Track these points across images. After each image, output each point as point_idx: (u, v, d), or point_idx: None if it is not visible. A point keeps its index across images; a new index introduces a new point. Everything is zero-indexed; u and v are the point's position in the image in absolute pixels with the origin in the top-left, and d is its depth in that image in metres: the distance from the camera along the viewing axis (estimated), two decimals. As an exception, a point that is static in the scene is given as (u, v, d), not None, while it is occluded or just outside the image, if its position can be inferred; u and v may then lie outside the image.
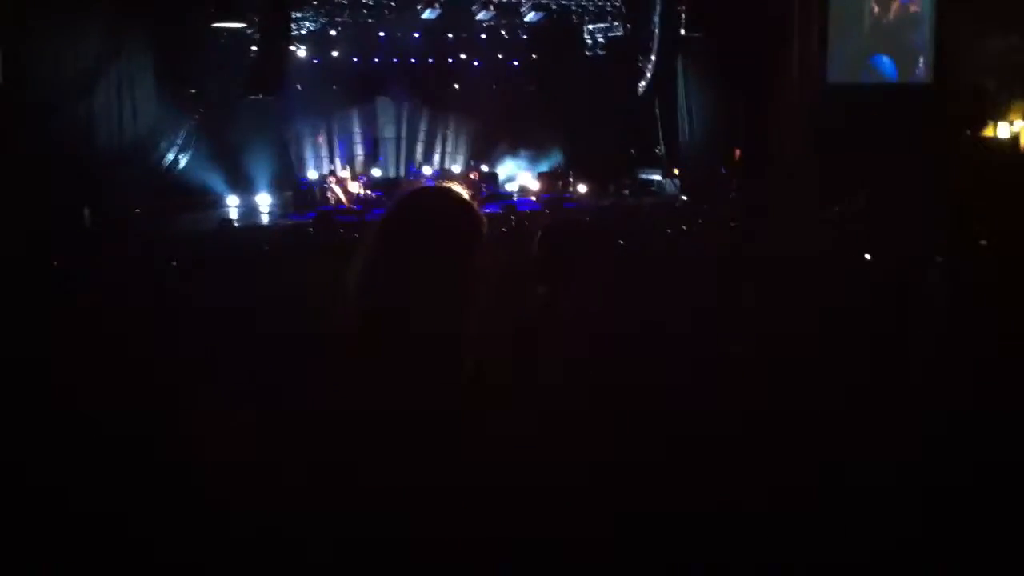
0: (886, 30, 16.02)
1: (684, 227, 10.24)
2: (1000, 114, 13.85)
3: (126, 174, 13.24)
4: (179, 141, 14.47)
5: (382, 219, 2.05)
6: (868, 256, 6.87)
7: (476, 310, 1.96)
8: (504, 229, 9.85)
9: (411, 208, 2.08)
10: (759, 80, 15.72)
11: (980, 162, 13.12)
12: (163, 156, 14.37)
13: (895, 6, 15.94)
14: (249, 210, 14.39)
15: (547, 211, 13.97)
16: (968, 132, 14.04)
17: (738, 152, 15.86)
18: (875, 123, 13.60)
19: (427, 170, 17.18)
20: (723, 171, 15.79)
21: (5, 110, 11.79)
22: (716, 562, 2.47)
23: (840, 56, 15.78)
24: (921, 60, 15.88)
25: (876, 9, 15.92)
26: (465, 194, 2.08)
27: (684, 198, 15.71)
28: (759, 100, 15.68)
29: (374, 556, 1.80)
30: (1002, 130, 13.68)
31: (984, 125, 14.10)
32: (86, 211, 11.94)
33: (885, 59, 16.07)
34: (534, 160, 17.29)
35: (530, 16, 17.33)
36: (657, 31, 17.31)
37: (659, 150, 17.64)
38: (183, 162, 14.47)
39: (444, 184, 2.23)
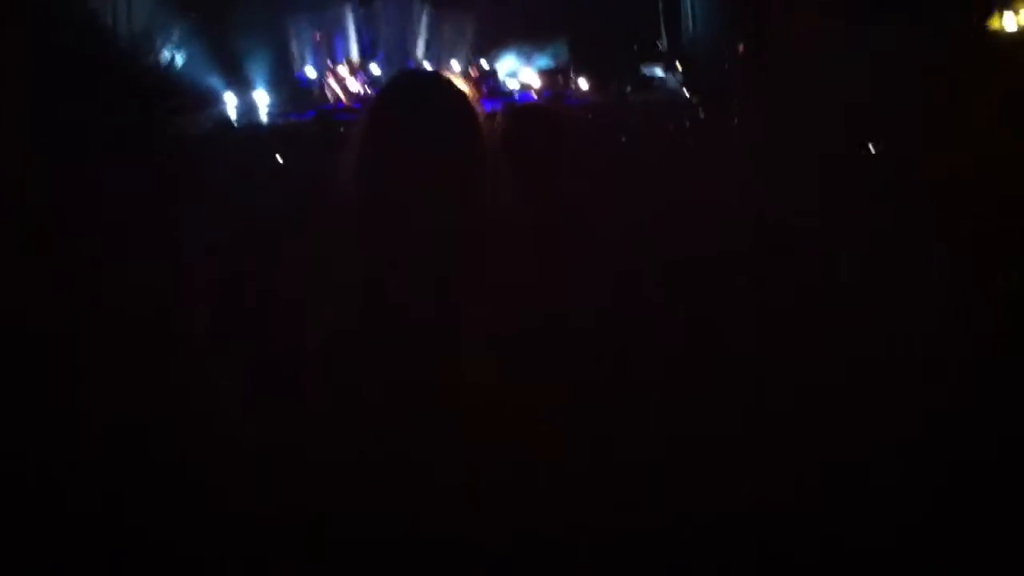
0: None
1: (687, 122, 10.19)
2: (1007, 2, 13.58)
3: (122, 75, 13.09)
4: (175, 40, 14.27)
5: (370, 104, 2.00)
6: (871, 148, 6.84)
7: (476, 201, 1.90)
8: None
9: (400, 90, 2.02)
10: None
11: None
12: (159, 55, 14.18)
13: None
14: (247, 108, 14.26)
15: (548, 106, 13.84)
16: (975, 19, 13.78)
17: (742, 47, 15.62)
18: (882, 10, 13.37)
19: (426, 66, 16.97)
20: (726, 67, 15.57)
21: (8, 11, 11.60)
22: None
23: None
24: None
25: None
26: (457, 80, 2.02)
27: (687, 93, 15.53)
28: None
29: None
30: (1008, 21, 13.40)
31: (989, 14, 13.83)
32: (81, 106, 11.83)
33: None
34: (534, 56, 17.07)
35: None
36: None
37: (661, 44, 17.38)
38: (179, 61, 14.29)
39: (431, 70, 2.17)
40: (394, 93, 2.01)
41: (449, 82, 2.01)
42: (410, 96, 1.97)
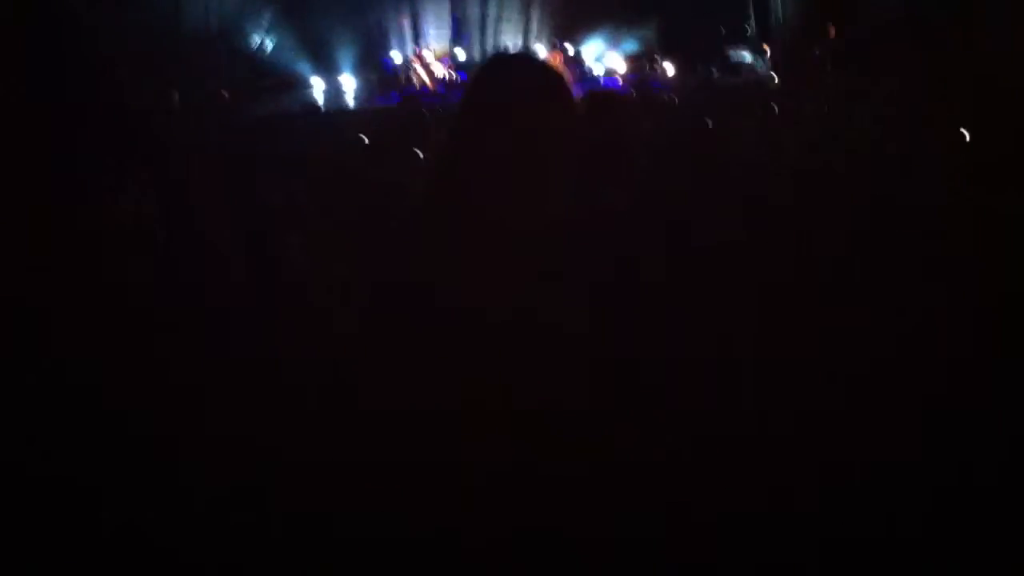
0: None
1: (776, 108, 9.99)
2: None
3: (213, 58, 13.33)
4: (265, 24, 14.48)
5: (464, 93, 1.97)
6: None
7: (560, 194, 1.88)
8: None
9: (492, 75, 2.00)
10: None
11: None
12: (249, 39, 14.41)
13: None
14: (334, 92, 14.41)
15: (633, 92, 13.75)
16: None
17: (832, 29, 15.34)
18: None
19: (511, 51, 16.95)
20: (816, 53, 15.31)
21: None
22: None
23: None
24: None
25: None
26: (548, 63, 2.00)
27: (775, 78, 15.30)
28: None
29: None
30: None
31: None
32: (175, 94, 12.08)
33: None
34: (620, 40, 16.96)
35: None
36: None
37: (749, 27, 17.14)
38: (269, 45, 14.50)
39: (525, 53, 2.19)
40: (491, 72, 1.99)
41: (544, 64, 1.99)
42: (508, 75, 1.95)
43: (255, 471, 2.49)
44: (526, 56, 2.09)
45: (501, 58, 2.10)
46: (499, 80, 1.96)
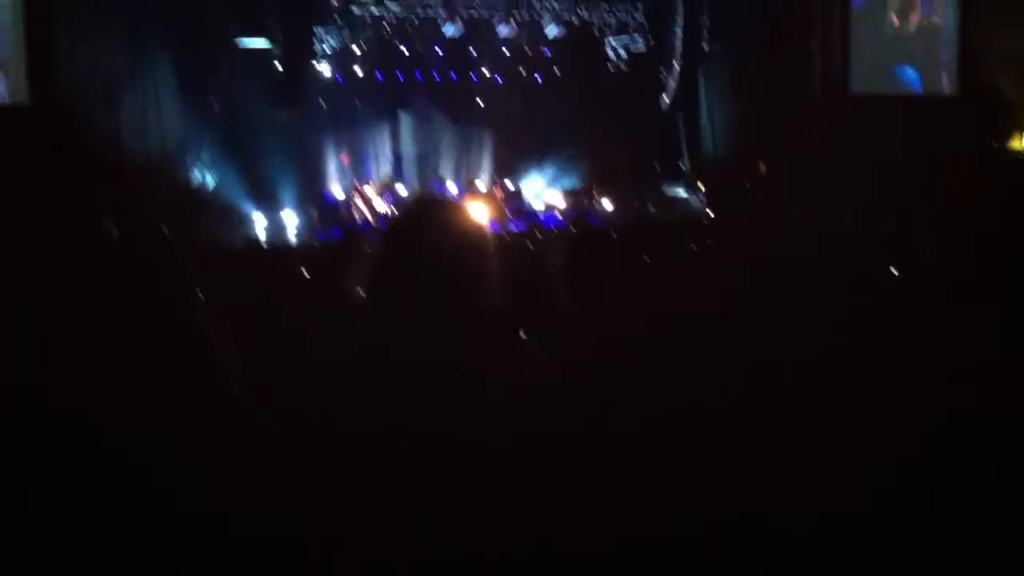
0: (909, 41, 15.98)
1: (710, 242, 10.17)
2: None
3: (152, 190, 13.34)
4: (205, 158, 14.56)
5: (384, 231, 2.19)
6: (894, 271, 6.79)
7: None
8: (530, 245, 9.82)
9: (412, 219, 2.17)
10: (781, 92, 15.70)
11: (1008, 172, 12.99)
12: (189, 173, 14.47)
13: (916, 17, 15.91)
14: (275, 227, 14.44)
15: (572, 228, 13.96)
16: (995, 143, 13.95)
17: (762, 165, 15.82)
18: (899, 134, 13.57)
19: (451, 186, 17.20)
20: (747, 185, 15.75)
21: (33, 130, 11.95)
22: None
23: (864, 67, 15.75)
24: (945, 71, 15.83)
25: (897, 20, 15.88)
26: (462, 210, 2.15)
27: (710, 212, 15.66)
28: (782, 112, 15.66)
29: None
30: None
31: (1011, 136, 14.01)
32: (111, 225, 12.00)
33: (909, 70, 16.02)
34: (559, 176, 17.32)
35: (552, 31, 17.36)
36: (679, 44, 17.33)
37: (683, 164, 17.63)
38: (208, 179, 14.56)
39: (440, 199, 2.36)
40: (407, 221, 2.17)
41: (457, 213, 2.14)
42: (422, 225, 2.09)
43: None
44: (441, 203, 2.21)
45: (419, 203, 2.25)
46: (414, 228, 2.10)
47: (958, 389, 3.18)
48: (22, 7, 12.27)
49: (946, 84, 15.72)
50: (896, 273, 6.77)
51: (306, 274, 8.95)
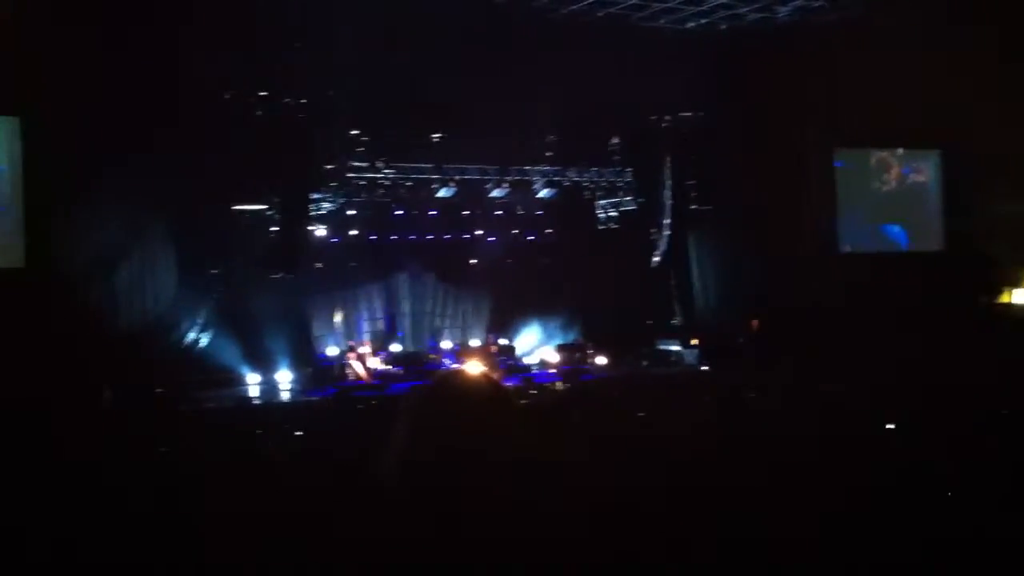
0: (894, 199, 16.35)
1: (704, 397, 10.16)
2: (1014, 280, 13.96)
3: (147, 353, 13.34)
4: (200, 320, 14.61)
5: (415, 401, 2.21)
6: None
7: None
8: (524, 401, 9.82)
9: (444, 388, 2.25)
10: (771, 251, 15.96)
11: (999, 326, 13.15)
12: (184, 335, 14.49)
13: (897, 176, 16.31)
14: (269, 387, 14.40)
15: (566, 383, 13.96)
16: (984, 299, 14.13)
17: (755, 323, 15.94)
18: (888, 292, 13.75)
19: (446, 344, 17.24)
20: (740, 340, 15.84)
21: (28, 292, 12.03)
22: None
23: (851, 225, 16.05)
24: (931, 228, 16.15)
25: (881, 180, 16.28)
26: (485, 371, 2.28)
27: (704, 368, 15.69)
28: (772, 270, 15.88)
29: None
30: (1017, 296, 13.76)
31: (999, 292, 14.19)
32: (106, 391, 11.98)
33: (895, 228, 16.35)
34: (552, 332, 17.42)
35: (543, 192, 17.73)
36: (668, 204, 17.70)
37: (676, 320, 17.76)
38: (204, 341, 14.58)
39: (469, 368, 2.45)
40: (443, 391, 2.24)
41: (490, 385, 2.25)
42: (458, 395, 2.21)
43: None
44: (473, 377, 2.30)
45: (451, 377, 2.32)
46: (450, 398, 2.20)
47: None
48: (20, 171, 12.52)
49: (933, 240, 16.02)
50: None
51: (297, 432, 8.92)
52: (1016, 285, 14.14)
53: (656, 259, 17.92)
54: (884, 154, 16.31)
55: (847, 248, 15.92)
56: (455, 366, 9.05)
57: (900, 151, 16.37)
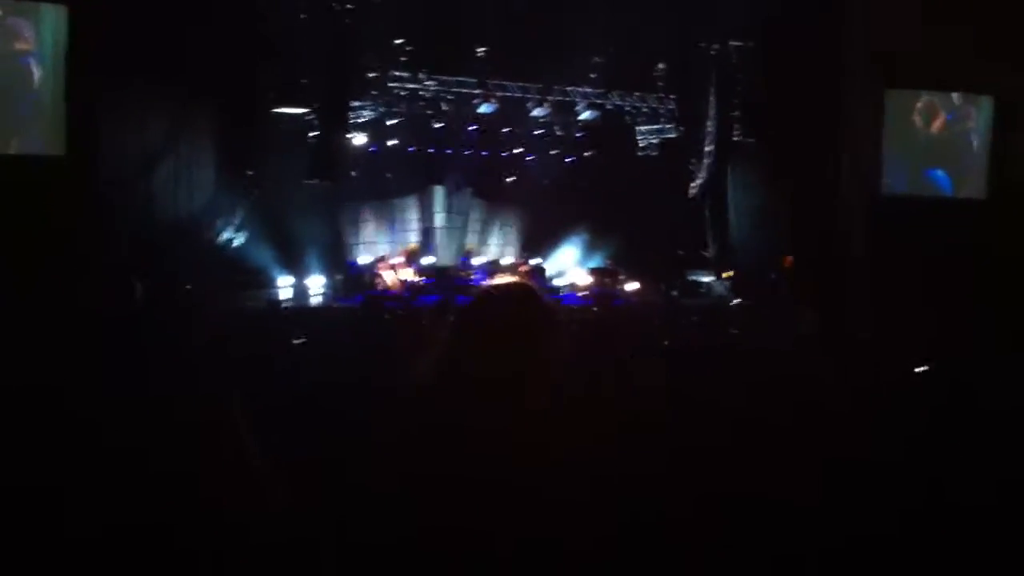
0: (939, 144, 16.06)
1: (734, 331, 10.13)
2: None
3: (181, 251, 13.43)
4: (235, 221, 14.68)
5: (462, 313, 2.25)
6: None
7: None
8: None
9: (490, 302, 2.27)
10: (811, 188, 15.75)
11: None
12: (219, 235, 14.57)
13: (942, 121, 16.01)
14: (300, 292, 14.50)
15: (595, 308, 13.95)
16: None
17: (788, 259, 15.81)
18: (929, 236, 13.58)
19: (477, 261, 17.26)
20: (772, 276, 15.73)
21: (67, 183, 12.10)
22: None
23: (894, 168, 15.81)
24: (976, 175, 15.88)
25: (928, 123, 15.99)
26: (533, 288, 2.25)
27: (736, 300, 15.62)
28: (811, 208, 15.70)
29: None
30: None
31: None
32: (138, 285, 12.09)
33: (939, 173, 16.08)
34: (584, 256, 17.38)
35: (585, 115, 17.58)
36: (710, 135, 17.47)
37: (708, 252, 17.65)
38: (237, 242, 14.65)
39: (517, 281, 2.41)
40: (486, 304, 2.27)
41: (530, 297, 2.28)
42: (499, 308, 2.23)
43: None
44: (518, 290, 2.28)
45: (495, 294, 2.31)
46: (494, 317, 2.21)
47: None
48: (64, 60, 12.49)
49: (977, 188, 15.77)
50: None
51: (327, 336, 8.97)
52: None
53: (693, 189, 17.75)
54: (933, 97, 15.97)
55: (889, 190, 15.67)
56: (502, 279, 8.69)
57: (954, 96, 16.04)
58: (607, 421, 2.68)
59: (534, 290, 2.35)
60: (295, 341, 8.14)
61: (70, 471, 2.33)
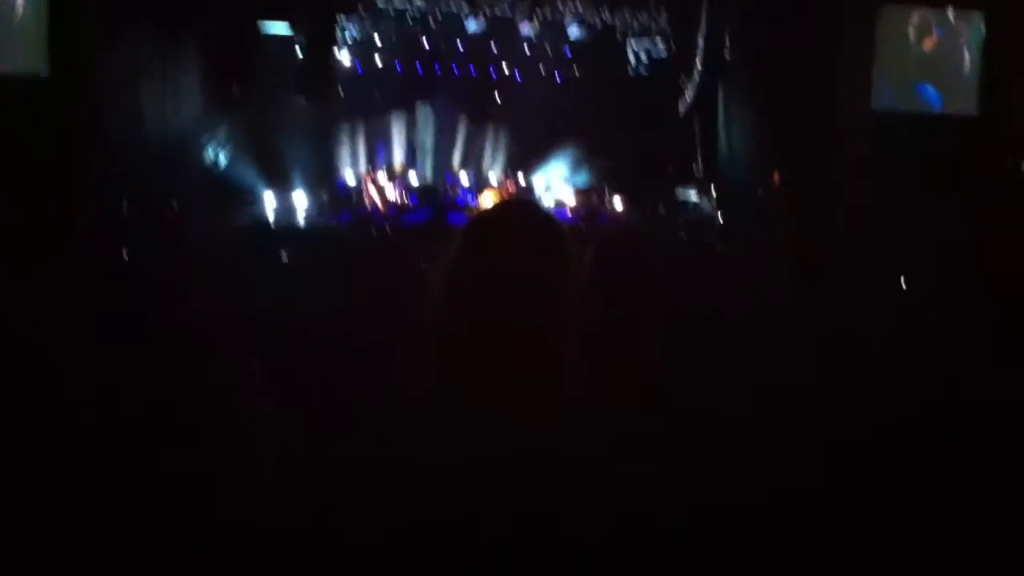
0: (931, 60, 15.93)
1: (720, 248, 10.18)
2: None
3: (167, 167, 13.37)
4: (221, 138, 14.58)
5: (467, 226, 2.04)
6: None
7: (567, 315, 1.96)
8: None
9: (496, 218, 2.09)
10: (802, 105, 15.64)
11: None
12: (204, 151, 14.49)
13: (934, 37, 15.86)
14: (286, 209, 14.47)
15: (582, 225, 13.97)
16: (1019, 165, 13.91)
17: (777, 176, 15.76)
18: (921, 153, 13.55)
19: (464, 178, 17.22)
20: (759, 193, 15.71)
21: (51, 102, 12.00)
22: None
23: (884, 83, 15.69)
24: (967, 91, 15.78)
25: (919, 38, 15.84)
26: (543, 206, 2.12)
27: (720, 219, 15.64)
28: (801, 125, 15.60)
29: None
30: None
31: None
32: (124, 202, 12.07)
33: (930, 88, 15.97)
34: (571, 174, 17.33)
35: (574, 32, 17.38)
36: (701, 52, 17.29)
37: (696, 169, 17.59)
38: (223, 158, 14.58)
39: (525, 198, 2.27)
40: (490, 221, 2.07)
41: (539, 214, 2.09)
42: (507, 225, 2.03)
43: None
44: (522, 208, 2.15)
45: (496, 212, 2.15)
46: (496, 239, 1.99)
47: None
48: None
49: (968, 104, 15.68)
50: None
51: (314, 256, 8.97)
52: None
53: (683, 106, 17.62)
54: (925, 12, 15.79)
55: (881, 106, 15.56)
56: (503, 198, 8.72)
57: (946, 10, 15.85)
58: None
59: (537, 205, 2.21)
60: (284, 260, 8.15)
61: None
